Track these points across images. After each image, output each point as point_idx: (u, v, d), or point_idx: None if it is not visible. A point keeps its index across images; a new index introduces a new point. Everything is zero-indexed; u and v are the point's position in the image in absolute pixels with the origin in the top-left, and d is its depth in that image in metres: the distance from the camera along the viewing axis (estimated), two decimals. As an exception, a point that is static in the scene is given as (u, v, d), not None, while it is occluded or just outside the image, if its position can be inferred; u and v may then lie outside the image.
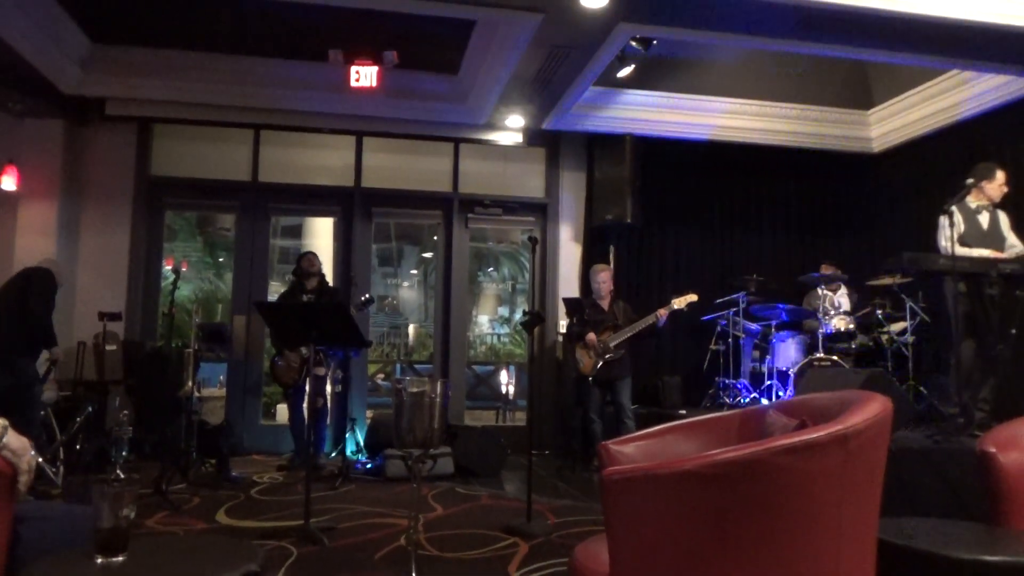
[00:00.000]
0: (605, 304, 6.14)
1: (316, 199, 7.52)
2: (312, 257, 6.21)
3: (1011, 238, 4.89)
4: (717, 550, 1.59)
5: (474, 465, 5.81)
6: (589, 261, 7.50)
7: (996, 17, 5.03)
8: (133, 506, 1.59)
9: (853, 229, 8.00)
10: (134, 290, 6.83)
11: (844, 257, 7.41)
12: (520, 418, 9.20)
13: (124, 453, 5.53)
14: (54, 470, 4.89)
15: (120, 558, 1.55)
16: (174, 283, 5.40)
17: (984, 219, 4.85)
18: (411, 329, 14.31)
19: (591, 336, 5.95)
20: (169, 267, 7.48)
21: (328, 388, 6.13)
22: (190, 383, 5.48)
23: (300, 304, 5.72)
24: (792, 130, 7.54)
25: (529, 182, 7.78)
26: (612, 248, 7.48)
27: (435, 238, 8.03)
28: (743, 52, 6.91)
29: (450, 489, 5.26)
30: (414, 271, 15.17)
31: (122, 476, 1.65)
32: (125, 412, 5.24)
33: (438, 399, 2.99)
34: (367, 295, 6.14)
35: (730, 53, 6.99)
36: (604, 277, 6.18)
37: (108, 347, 6.11)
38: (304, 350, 5.74)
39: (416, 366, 11.13)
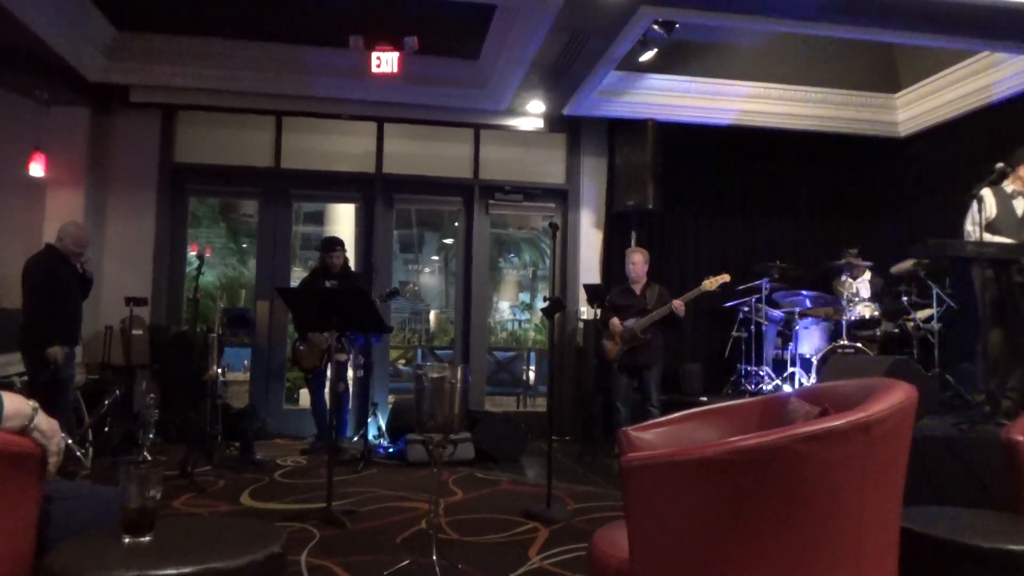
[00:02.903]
0: (638, 289, 6.03)
1: (338, 185, 7.56)
2: (335, 255, 6.09)
3: None
4: (737, 537, 1.59)
5: (494, 450, 5.84)
6: (610, 248, 7.47)
7: (1029, -3, 4.92)
8: (159, 487, 1.61)
9: (879, 215, 7.89)
10: (159, 275, 6.92)
11: (870, 243, 7.30)
12: (541, 404, 9.22)
13: (151, 436, 5.59)
14: (83, 452, 4.99)
15: (146, 538, 1.58)
16: (198, 269, 5.46)
17: (1020, 205, 4.74)
18: (432, 315, 14.37)
19: (614, 321, 5.91)
20: (193, 253, 7.57)
21: (350, 373, 6.17)
22: (215, 367, 5.55)
23: (321, 290, 5.76)
24: (817, 114, 7.43)
25: (550, 168, 7.75)
26: (633, 234, 7.44)
27: (456, 224, 8.04)
28: (767, 35, 6.80)
29: (470, 474, 5.29)
30: (435, 257, 15.22)
31: (149, 458, 1.68)
32: (151, 396, 5.34)
33: (458, 384, 3.00)
34: (391, 287, 6.18)
35: (754, 37, 6.88)
36: (635, 260, 6.04)
37: (134, 331, 6.21)
38: (326, 335, 5.79)
39: (437, 352, 11.17)
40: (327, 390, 5.85)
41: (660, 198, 7.12)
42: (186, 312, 6.93)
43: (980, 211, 4.30)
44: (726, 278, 5.77)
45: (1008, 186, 4.75)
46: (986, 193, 4.53)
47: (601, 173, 7.61)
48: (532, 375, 10.05)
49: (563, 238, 7.55)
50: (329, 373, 5.55)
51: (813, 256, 7.25)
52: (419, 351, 11.83)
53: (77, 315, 5.16)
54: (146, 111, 6.91)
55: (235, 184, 7.48)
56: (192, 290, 5.51)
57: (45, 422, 1.64)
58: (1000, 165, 4.65)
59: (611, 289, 6.36)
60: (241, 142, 7.26)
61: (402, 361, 10.63)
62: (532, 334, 13.16)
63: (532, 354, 10.42)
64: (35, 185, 6.47)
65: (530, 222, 11.94)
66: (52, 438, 1.65)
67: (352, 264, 6.87)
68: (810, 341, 6.55)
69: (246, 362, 7.59)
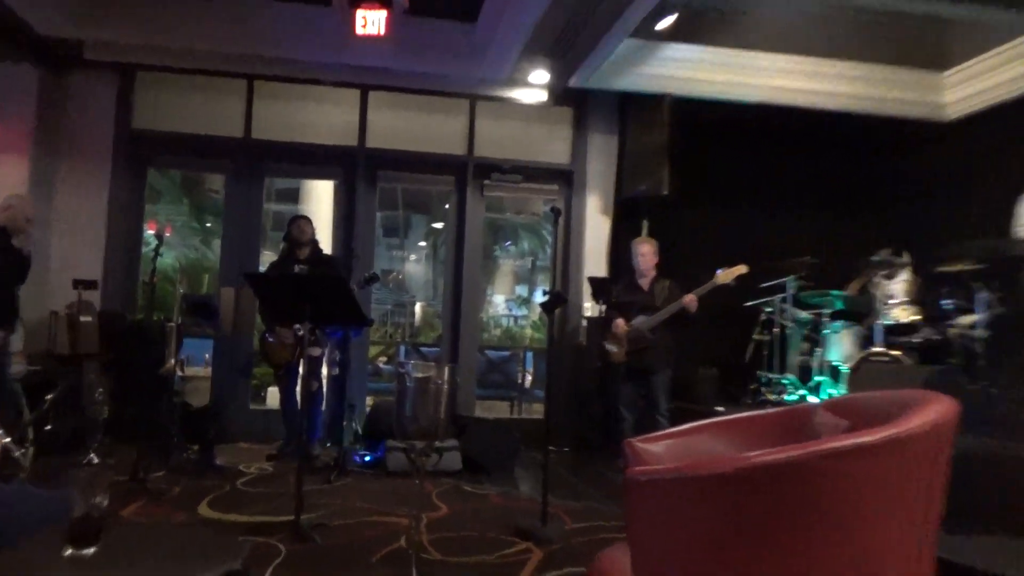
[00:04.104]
0: (645, 283, 6.01)
1: (315, 160, 7.53)
2: (303, 223, 6.22)
3: None
4: (750, 562, 1.59)
5: (484, 460, 5.85)
6: (618, 236, 7.46)
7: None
8: (106, 494, 1.61)
9: (921, 208, 7.88)
10: (112, 256, 6.90)
11: (910, 238, 7.30)
12: (537, 410, 9.24)
13: (99, 435, 5.58)
14: (22, 451, 4.97)
15: (91, 550, 1.57)
16: (156, 249, 5.44)
17: None
18: (417, 307, 14.40)
19: (619, 321, 5.90)
20: (152, 231, 7.54)
21: (324, 370, 6.17)
22: (172, 360, 5.54)
23: (295, 276, 5.75)
24: (854, 93, 7.42)
25: (553, 146, 7.75)
26: (645, 223, 7.43)
27: (446, 207, 8.03)
28: (799, 2, 6.79)
29: (456, 486, 5.30)
30: (422, 243, 15.24)
31: (96, 460, 1.67)
32: (100, 390, 5.33)
33: (445, 386, 3.00)
34: (371, 271, 6.16)
35: (785, 4, 6.87)
36: (643, 251, 6.01)
37: (83, 318, 6.17)
38: (298, 327, 5.78)
39: (422, 349, 11.20)
40: (299, 389, 5.84)
41: (676, 183, 7.09)
42: (142, 298, 6.92)
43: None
44: (743, 269, 5.74)
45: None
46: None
47: (610, 153, 7.61)
48: (528, 378, 10.07)
49: (566, 225, 7.55)
50: (301, 370, 5.55)
51: (848, 251, 7.23)
52: (402, 348, 11.86)
53: (11, 299, 5.14)
54: (101, 71, 6.87)
55: (200, 155, 7.47)
56: (149, 273, 5.50)
57: (-21, 418, 1.64)
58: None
59: (617, 283, 6.35)
60: (208, 108, 7.23)
61: (383, 358, 10.65)
62: (529, 332, 13.20)
63: (529, 354, 10.45)
64: (-26, 151, 6.44)
65: (530, 206, 11.94)
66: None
67: (330, 249, 6.86)
68: (840, 347, 6.56)
69: (208, 355, 7.59)
